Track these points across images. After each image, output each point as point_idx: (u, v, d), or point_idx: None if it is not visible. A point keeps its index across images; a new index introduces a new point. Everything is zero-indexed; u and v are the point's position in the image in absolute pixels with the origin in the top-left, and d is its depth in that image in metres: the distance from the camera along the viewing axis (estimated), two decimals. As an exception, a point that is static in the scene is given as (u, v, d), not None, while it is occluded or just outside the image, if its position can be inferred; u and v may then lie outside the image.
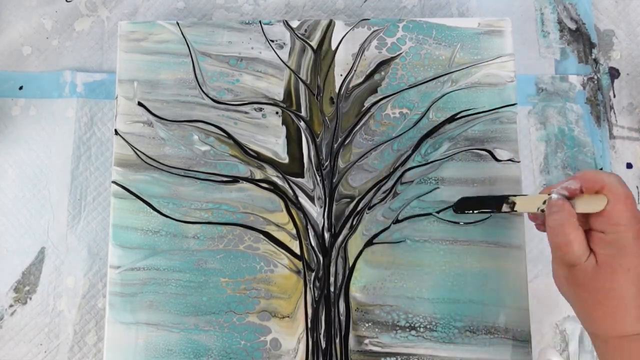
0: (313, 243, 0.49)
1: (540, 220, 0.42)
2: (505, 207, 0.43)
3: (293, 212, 0.49)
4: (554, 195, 0.38)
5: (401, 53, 0.52)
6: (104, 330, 0.47)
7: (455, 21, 0.52)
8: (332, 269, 0.48)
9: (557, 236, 0.37)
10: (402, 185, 0.50)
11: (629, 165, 0.54)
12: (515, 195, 0.43)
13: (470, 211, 0.47)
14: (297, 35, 0.52)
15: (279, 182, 0.50)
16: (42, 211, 0.54)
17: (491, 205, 0.45)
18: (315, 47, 0.52)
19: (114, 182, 0.50)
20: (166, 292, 0.48)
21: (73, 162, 0.54)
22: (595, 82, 0.56)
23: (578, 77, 0.56)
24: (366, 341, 0.47)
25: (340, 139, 0.51)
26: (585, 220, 0.38)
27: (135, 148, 0.50)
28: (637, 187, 0.54)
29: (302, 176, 0.50)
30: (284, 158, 0.50)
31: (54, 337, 0.51)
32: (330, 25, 0.52)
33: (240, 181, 0.50)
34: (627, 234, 0.35)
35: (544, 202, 0.39)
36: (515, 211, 0.43)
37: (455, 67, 0.51)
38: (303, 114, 0.51)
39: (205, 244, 0.49)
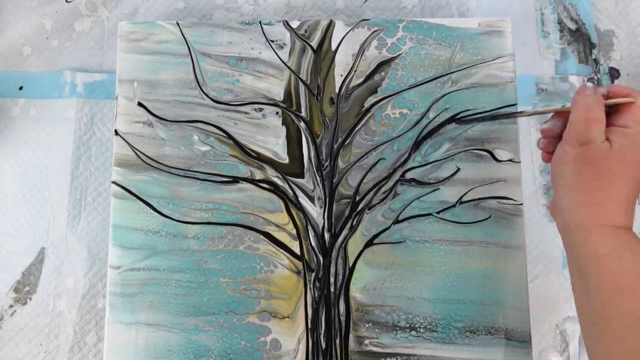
0: (313, 243, 0.49)
1: (551, 142, 0.42)
2: (515, 110, 0.43)
3: (293, 212, 0.49)
4: (589, 84, 0.39)
5: (401, 53, 0.52)
6: (104, 330, 0.47)
7: (456, 21, 0.52)
8: (332, 270, 0.48)
9: (583, 111, 0.37)
10: (402, 185, 0.50)
11: (629, 166, 0.54)
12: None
13: (475, 119, 0.46)
14: (297, 36, 0.52)
15: (279, 182, 0.50)
16: (42, 211, 0.54)
17: (502, 112, 0.44)
18: (315, 47, 0.52)
19: (114, 182, 0.50)
20: (166, 292, 0.48)
21: (73, 163, 0.54)
22: (596, 82, 0.56)
23: (578, 77, 0.56)
24: (366, 342, 0.47)
25: (340, 140, 0.51)
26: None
27: (135, 148, 0.50)
28: (637, 188, 0.54)
29: (302, 176, 0.50)
30: (284, 158, 0.50)
31: (54, 337, 0.51)
32: (330, 26, 0.52)
33: (240, 181, 0.50)
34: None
35: (563, 106, 0.40)
36: (526, 114, 0.42)
37: (456, 68, 0.51)
38: (303, 114, 0.51)
39: (205, 244, 0.49)
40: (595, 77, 0.56)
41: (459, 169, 0.50)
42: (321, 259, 0.49)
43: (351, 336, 0.47)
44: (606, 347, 0.34)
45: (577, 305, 0.37)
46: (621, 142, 0.36)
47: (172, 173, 0.50)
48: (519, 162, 0.50)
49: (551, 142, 0.42)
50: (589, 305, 0.36)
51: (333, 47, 0.52)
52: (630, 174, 0.36)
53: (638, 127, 0.37)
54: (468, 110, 0.51)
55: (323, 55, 0.52)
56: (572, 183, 0.37)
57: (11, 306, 0.52)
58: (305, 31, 0.53)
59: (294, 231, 0.49)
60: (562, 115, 0.41)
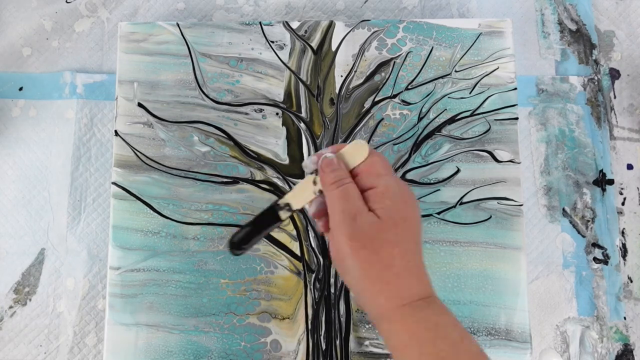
0: (313, 244, 0.49)
1: (324, 215, 0.38)
2: (283, 214, 0.38)
3: (293, 213, 0.49)
4: (327, 154, 0.37)
5: (401, 54, 0.52)
6: (104, 331, 0.47)
7: (456, 22, 0.52)
8: (333, 270, 0.48)
9: (338, 187, 0.35)
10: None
11: (630, 166, 0.54)
12: (282, 196, 0.38)
13: (248, 244, 0.38)
14: (298, 36, 0.52)
15: (279, 183, 0.50)
16: (42, 212, 0.54)
17: (267, 220, 0.38)
18: (315, 48, 0.52)
19: (114, 183, 0.49)
20: (166, 293, 0.48)
21: (73, 163, 0.54)
22: (596, 83, 0.56)
23: (578, 78, 0.56)
24: (367, 342, 0.47)
25: (340, 140, 0.51)
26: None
27: (135, 149, 0.50)
28: (638, 189, 0.54)
29: (303, 177, 0.50)
30: (284, 159, 0.50)
31: (54, 338, 0.51)
32: (330, 26, 0.52)
33: (241, 182, 0.50)
34: (391, 182, 0.35)
35: (315, 183, 0.37)
36: (295, 210, 0.38)
37: (456, 68, 0.51)
38: (303, 114, 0.51)
39: (205, 245, 0.49)
40: (596, 78, 0.56)
41: (459, 170, 0.50)
42: (321, 259, 0.49)
43: (351, 337, 0.47)
44: None
45: None
46: (382, 206, 0.34)
47: (172, 174, 0.50)
48: (519, 163, 0.50)
49: (328, 220, 0.37)
50: None
51: (333, 48, 0.52)
52: (407, 236, 0.34)
53: (383, 180, 0.35)
54: (468, 111, 0.51)
55: (323, 55, 0.52)
56: (359, 275, 0.34)
57: (11, 307, 0.52)
58: (306, 32, 0.53)
59: (294, 232, 0.49)
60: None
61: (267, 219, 0.38)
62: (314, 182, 0.37)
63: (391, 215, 0.34)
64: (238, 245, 0.38)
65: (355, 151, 0.37)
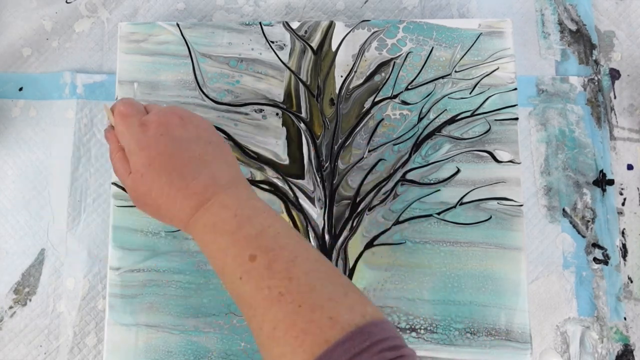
0: (313, 244, 0.49)
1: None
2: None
3: (293, 213, 0.49)
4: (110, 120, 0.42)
5: (401, 54, 0.52)
6: (104, 332, 0.47)
7: (456, 22, 0.52)
8: (333, 271, 0.48)
9: (113, 159, 0.42)
10: (403, 186, 0.50)
11: (630, 167, 0.54)
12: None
13: None
14: (298, 37, 0.52)
15: (279, 183, 0.50)
16: (41, 213, 0.54)
17: None
18: (315, 48, 0.52)
19: (114, 183, 0.49)
20: (166, 293, 0.48)
21: (73, 164, 0.54)
22: (596, 83, 0.56)
23: (579, 78, 0.56)
24: (366, 343, 0.47)
25: (340, 140, 0.51)
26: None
27: (135, 149, 0.50)
28: (638, 189, 0.54)
29: (303, 177, 0.50)
30: (284, 159, 0.50)
31: (54, 338, 0.51)
32: (330, 27, 0.52)
33: (241, 182, 0.50)
34: (129, 136, 0.39)
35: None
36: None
37: (456, 69, 0.51)
38: (303, 115, 0.51)
39: (206, 245, 0.49)
40: (596, 78, 0.56)
41: (459, 170, 0.50)
42: (321, 260, 0.49)
43: (351, 337, 0.47)
44: None
45: None
46: (130, 165, 0.39)
47: (172, 174, 0.50)
48: (519, 163, 0.50)
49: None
50: None
51: (333, 48, 0.52)
52: (153, 177, 0.38)
53: (123, 139, 0.40)
54: (468, 111, 0.51)
55: (323, 56, 0.52)
56: (156, 216, 0.40)
57: (11, 307, 0.52)
58: (306, 32, 0.52)
59: (294, 232, 0.49)
60: None
61: None
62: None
63: (135, 169, 0.39)
64: None
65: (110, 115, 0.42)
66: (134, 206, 0.48)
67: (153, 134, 0.39)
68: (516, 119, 0.50)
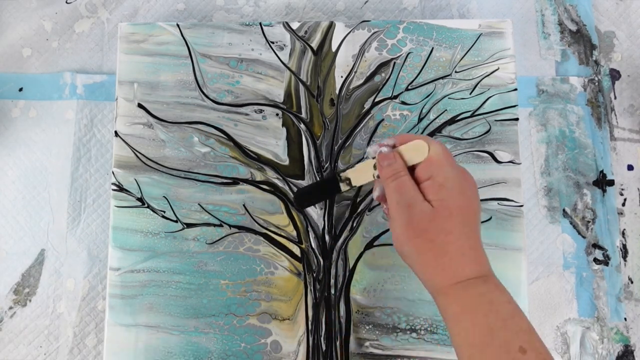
0: (313, 245, 0.49)
1: (386, 200, 0.40)
2: (343, 186, 0.40)
3: (294, 214, 0.49)
4: (383, 149, 0.38)
5: (401, 54, 0.52)
6: (104, 332, 0.47)
7: (456, 23, 0.52)
8: (333, 271, 0.48)
9: (393, 181, 0.37)
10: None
11: (630, 167, 0.54)
12: (344, 170, 0.41)
13: (311, 202, 0.45)
14: (298, 37, 0.52)
15: (280, 183, 0.50)
16: (41, 213, 0.54)
17: (328, 188, 0.41)
18: (315, 48, 0.52)
19: (113, 184, 0.49)
20: (166, 294, 0.48)
21: (73, 164, 0.54)
22: (596, 83, 0.56)
23: (579, 78, 0.56)
24: (367, 344, 0.47)
25: (340, 141, 0.51)
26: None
27: (135, 150, 0.50)
28: (638, 189, 0.54)
29: (303, 178, 0.50)
30: (285, 160, 0.50)
31: (54, 339, 0.51)
32: (330, 27, 0.52)
33: (241, 183, 0.50)
34: (450, 173, 0.36)
35: (375, 167, 0.39)
36: (354, 186, 0.40)
37: (456, 69, 0.51)
38: (303, 115, 0.51)
39: (205, 246, 0.49)
40: (596, 79, 0.56)
41: None
42: (321, 260, 0.49)
43: (352, 338, 0.47)
44: None
45: None
46: (438, 197, 0.36)
47: (172, 175, 0.50)
48: (520, 164, 0.50)
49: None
50: None
51: (333, 49, 0.52)
52: (461, 223, 0.35)
53: (442, 171, 0.36)
54: (468, 111, 0.51)
55: (323, 56, 0.52)
56: (416, 259, 0.36)
57: (11, 308, 0.52)
58: (306, 32, 0.52)
59: (295, 233, 0.49)
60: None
61: (329, 187, 0.41)
62: (374, 167, 0.39)
63: (446, 205, 0.35)
64: (302, 202, 0.44)
65: (415, 150, 0.38)
66: (134, 206, 0.48)
67: (473, 183, 0.38)
68: (516, 119, 0.50)
